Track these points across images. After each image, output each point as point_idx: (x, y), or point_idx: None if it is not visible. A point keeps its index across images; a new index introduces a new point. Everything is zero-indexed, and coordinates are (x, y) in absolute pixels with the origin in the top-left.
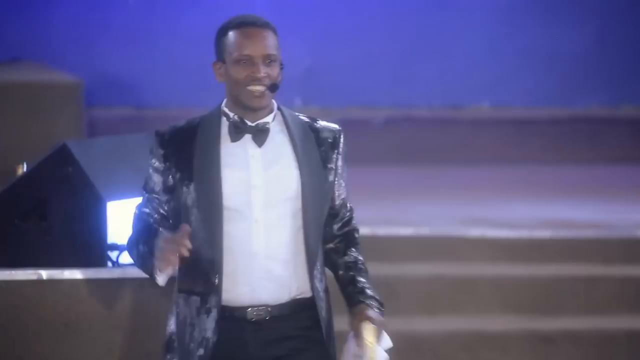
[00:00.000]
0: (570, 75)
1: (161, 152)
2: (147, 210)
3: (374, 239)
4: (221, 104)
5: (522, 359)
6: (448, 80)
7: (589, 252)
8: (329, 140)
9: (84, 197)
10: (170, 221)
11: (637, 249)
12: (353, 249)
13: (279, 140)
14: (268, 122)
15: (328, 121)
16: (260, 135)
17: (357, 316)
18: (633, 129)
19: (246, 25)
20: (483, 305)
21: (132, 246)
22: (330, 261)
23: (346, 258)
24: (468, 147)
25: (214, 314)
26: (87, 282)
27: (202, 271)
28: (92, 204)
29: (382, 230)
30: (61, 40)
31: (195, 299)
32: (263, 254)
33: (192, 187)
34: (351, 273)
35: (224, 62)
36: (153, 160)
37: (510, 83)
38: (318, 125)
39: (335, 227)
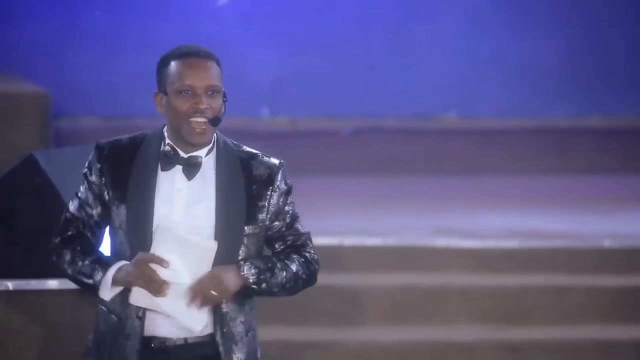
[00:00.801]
0: (538, 85)
1: (98, 166)
2: (78, 215)
3: (341, 249)
4: (161, 130)
5: None
6: (416, 90)
7: (557, 262)
8: (263, 178)
9: (52, 207)
10: (98, 229)
11: (604, 259)
12: (295, 255)
13: (207, 175)
14: (200, 157)
15: (270, 155)
16: (190, 168)
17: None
18: (600, 139)
19: (188, 55)
20: (451, 315)
21: (65, 257)
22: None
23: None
24: (436, 157)
25: (132, 342)
26: (58, 292)
27: (123, 294)
28: (60, 214)
29: (350, 241)
30: (28, 50)
31: (114, 320)
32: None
33: (122, 209)
34: (282, 248)
35: (165, 93)
36: (89, 172)
37: (478, 93)
38: (254, 163)
39: (278, 245)
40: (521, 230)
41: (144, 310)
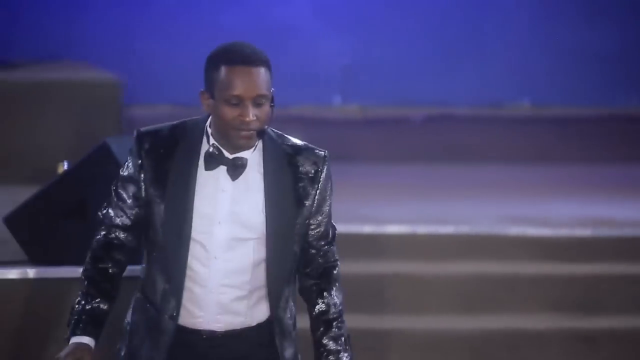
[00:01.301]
0: (611, 73)
1: (138, 161)
2: (114, 229)
3: (414, 237)
4: (206, 119)
5: (562, 357)
6: (488, 78)
7: (630, 251)
8: (310, 175)
9: None
10: (134, 232)
11: None
12: (326, 293)
13: (252, 176)
14: (246, 158)
15: (315, 147)
16: (235, 169)
17: None
18: None
19: (239, 63)
20: (522, 303)
21: (84, 281)
22: (305, 299)
23: (318, 307)
24: (508, 145)
25: (166, 338)
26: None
27: (162, 288)
28: None
29: (422, 229)
30: (102, 38)
31: (151, 309)
32: (217, 290)
33: (162, 207)
34: (319, 334)
35: (212, 96)
36: (130, 165)
37: (551, 81)
38: (300, 158)
39: (311, 261)
40: (594, 219)
41: (178, 309)
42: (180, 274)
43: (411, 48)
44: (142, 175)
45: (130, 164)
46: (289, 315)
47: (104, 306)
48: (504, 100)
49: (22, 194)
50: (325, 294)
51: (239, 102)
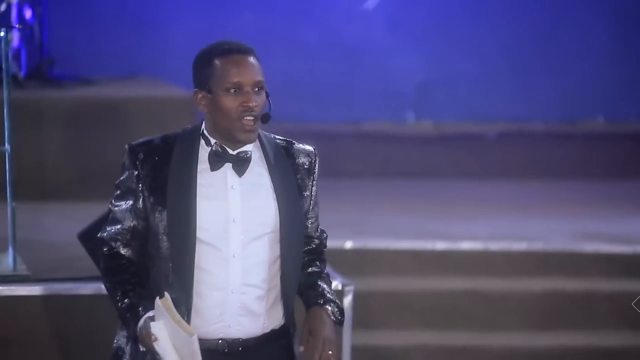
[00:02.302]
0: None
1: (135, 172)
2: (116, 235)
3: (487, 254)
4: (200, 125)
5: None
6: (563, 94)
7: None
8: (305, 167)
9: None
10: (136, 242)
11: None
12: (317, 263)
13: (257, 169)
14: (249, 151)
15: (305, 143)
16: (241, 164)
17: (311, 322)
18: None
19: (232, 52)
20: (598, 320)
21: (110, 288)
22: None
23: (309, 269)
24: (583, 161)
25: None
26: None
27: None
28: None
29: (496, 245)
30: (176, 55)
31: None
32: (239, 290)
33: (164, 214)
34: (312, 279)
35: (209, 91)
36: (125, 179)
37: (625, 97)
38: (294, 150)
39: (305, 249)
40: None
41: (189, 316)
42: (188, 279)
43: (485, 64)
44: (141, 186)
45: (126, 177)
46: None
47: (141, 290)
48: (578, 116)
49: (97, 211)
50: (313, 264)
51: (238, 90)
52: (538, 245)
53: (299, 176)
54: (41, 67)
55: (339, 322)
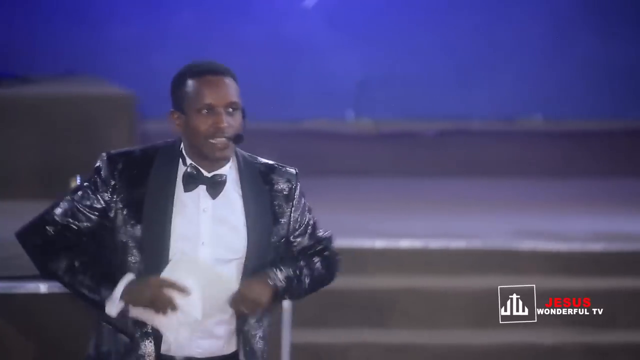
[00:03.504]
0: (624, 87)
1: (112, 182)
2: (70, 221)
3: (426, 252)
4: (179, 142)
5: None
6: (501, 93)
7: None
8: (284, 193)
9: None
10: (83, 239)
11: None
12: (315, 258)
13: (231, 193)
14: (225, 175)
15: (285, 165)
16: (215, 187)
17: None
18: None
19: (206, 73)
20: (538, 318)
21: (59, 263)
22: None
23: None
24: (520, 160)
25: None
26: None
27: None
28: None
29: (435, 243)
30: (115, 52)
31: (124, 339)
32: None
33: (138, 228)
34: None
35: (182, 112)
36: (98, 185)
37: (563, 96)
38: (274, 176)
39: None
40: (608, 233)
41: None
42: None
43: (424, 62)
44: (115, 197)
45: (99, 183)
46: (259, 337)
47: (96, 260)
48: (516, 114)
49: (34, 209)
50: (315, 258)
51: (210, 111)
52: (477, 243)
53: (276, 202)
54: None
55: (277, 287)
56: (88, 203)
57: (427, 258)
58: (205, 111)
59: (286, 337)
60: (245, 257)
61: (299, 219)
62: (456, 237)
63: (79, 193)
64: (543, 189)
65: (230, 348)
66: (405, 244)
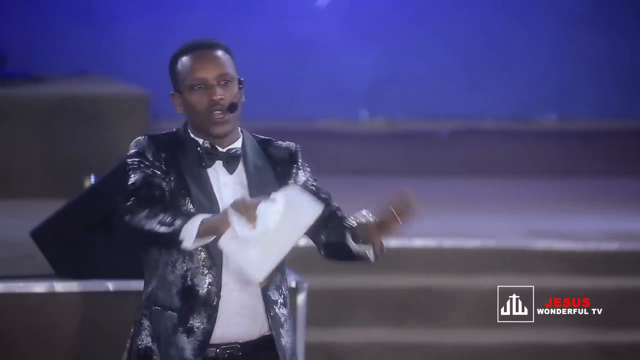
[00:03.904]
0: (636, 87)
1: (162, 155)
2: (151, 181)
3: (440, 251)
4: (185, 129)
5: None
6: (514, 92)
7: None
8: (285, 158)
9: None
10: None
11: None
12: (336, 221)
13: (241, 167)
14: (238, 148)
15: (283, 140)
16: (232, 161)
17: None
18: None
19: (194, 48)
20: (553, 317)
21: (141, 213)
22: (335, 245)
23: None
24: (534, 159)
25: (198, 336)
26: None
27: (195, 293)
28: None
29: (449, 242)
30: (128, 52)
31: (171, 315)
32: (239, 287)
33: (188, 200)
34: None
35: (180, 92)
36: (148, 161)
37: (577, 95)
38: (271, 148)
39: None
40: (621, 233)
41: (213, 316)
42: (218, 269)
43: (437, 62)
44: (165, 167)
45: (151, 159)
46: (280, 304)
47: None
48: (530, 113)
49: (49, 208)
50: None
51: (203, 85)
52: (491, 243)
53: (279, 169)
54: None
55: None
56: (150, 172)
57: (441, 257)
58: (198, 86)
59: (301, 337)
60: None
61: (305, 184)
62: (470, 236)
63: (138, 171)
64: (556, 188)
65: (265, 328)
66: (419, 243)
